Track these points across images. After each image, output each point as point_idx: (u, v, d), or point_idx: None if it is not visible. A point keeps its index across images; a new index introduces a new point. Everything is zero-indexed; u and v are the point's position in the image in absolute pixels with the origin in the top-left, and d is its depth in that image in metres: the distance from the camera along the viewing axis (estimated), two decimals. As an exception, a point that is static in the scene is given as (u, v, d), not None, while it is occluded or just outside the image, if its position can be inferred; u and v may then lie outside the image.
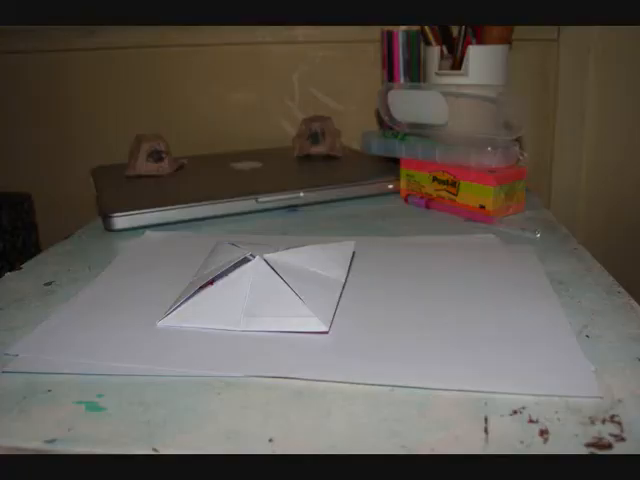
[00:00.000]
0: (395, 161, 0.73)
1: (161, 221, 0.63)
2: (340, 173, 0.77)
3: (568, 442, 0.28)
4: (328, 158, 0.85)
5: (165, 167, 0.77)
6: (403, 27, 0.81)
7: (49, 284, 0.49)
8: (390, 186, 0.72)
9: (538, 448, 0.28)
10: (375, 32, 0.86)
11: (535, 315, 0.41)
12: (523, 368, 0.34)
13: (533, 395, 0.32)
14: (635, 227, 0.93)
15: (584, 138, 0.92)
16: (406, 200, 0.69)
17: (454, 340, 0.38)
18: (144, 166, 0.77)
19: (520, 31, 0.78)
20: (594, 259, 0.50)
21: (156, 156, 0.76)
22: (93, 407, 0.32)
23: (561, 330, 0.39)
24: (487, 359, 0.35)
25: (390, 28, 0.82)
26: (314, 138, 0.80)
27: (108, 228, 0.62)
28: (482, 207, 0.62)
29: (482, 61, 0.69)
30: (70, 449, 0.29)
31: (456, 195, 0.65)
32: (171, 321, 0.41)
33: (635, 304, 0.42)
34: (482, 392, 0.32)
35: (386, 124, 0.76)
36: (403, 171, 0.71)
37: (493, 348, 0.37)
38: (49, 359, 0.37)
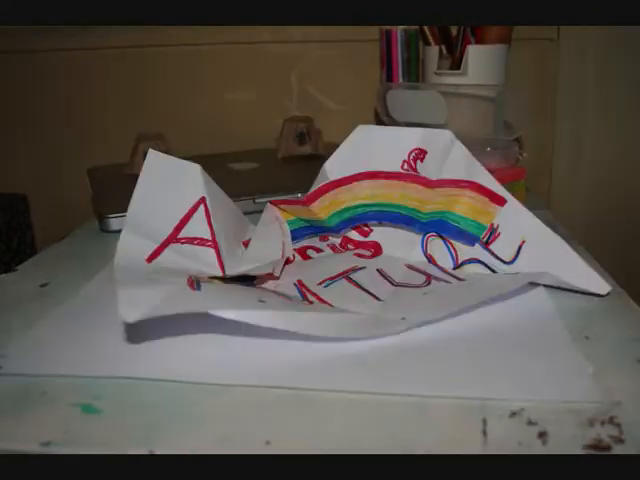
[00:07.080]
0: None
1: (158, 221, 0.62)
2: (338, 173, 0.77)
3: (567, 444, 0.28)
4: (319, 158, 0.84)
5: None
6: (402, 26, 0.80)
7: (45, 285, 0.49)
8: (389, 186, 0.72)
9: (537, 450, 0.28)
10: (374, 31, 0.86)
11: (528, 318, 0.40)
12: (520, 372, 0.34)
13: (531, 401, 0.31)
14: (635, 227, 0.93)
15: (584, 138, 0.92)
16: (405, 200, 0.69)
17: (447, 347, 0.37)
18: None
19: (520, 30, 0.77)
20: (594, 260, 0.50)
21: None
22: (89, 409, 0.32)
23: (556, 333, 0.38)
24: (481, 365, 0.35)
25: (389, 27, 0.81)
26: (301, 138, 0.80)
27: (104, 229, 0.62)
28: (481, 207, 0.62)
29: (481, 61, 0.68)
30: (65, 451, 0.29)
31: (455, 195, 0.65)
32: None
33: (635, 305, 0.42)
34: (478, 399, 0.32)
35: (384, 124, 0.76)
36: (402, 171, 0.70)
37: (487, 354, 0.36)
38: (45, 361, 0.36)
